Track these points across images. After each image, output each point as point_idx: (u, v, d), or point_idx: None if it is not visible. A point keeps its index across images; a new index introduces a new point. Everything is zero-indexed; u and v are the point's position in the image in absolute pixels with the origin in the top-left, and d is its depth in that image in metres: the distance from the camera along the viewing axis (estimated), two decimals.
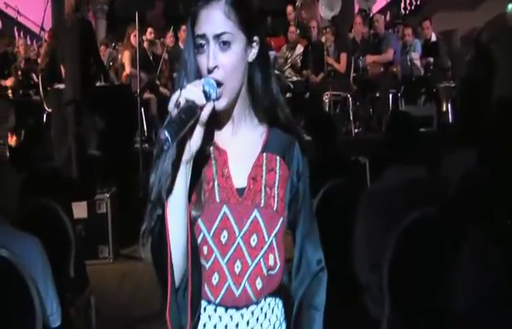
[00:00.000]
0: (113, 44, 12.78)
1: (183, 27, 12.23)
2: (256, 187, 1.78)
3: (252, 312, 1.79)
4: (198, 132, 1.63)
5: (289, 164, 1.84)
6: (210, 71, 1.68)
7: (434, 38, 11.24)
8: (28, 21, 14.35)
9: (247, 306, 1.78)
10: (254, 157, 1.81)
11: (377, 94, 10.59)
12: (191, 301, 1.70)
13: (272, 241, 1.77)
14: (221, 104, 1.70)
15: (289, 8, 13.16)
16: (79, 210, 6.80)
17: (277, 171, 1.81)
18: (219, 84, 1.69)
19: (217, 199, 1.75)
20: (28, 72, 11.37)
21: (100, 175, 7.93)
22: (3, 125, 10.09)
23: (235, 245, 1.75)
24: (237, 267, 1.75)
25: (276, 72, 11.02)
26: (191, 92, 1.59)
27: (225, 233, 1.75)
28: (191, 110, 1.58)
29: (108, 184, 7.77)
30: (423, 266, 3.48)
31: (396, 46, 10.79)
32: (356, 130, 10.34)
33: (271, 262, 1.78)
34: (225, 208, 1.75)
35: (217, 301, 1.77)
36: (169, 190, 1.66)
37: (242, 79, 1.77)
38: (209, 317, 1.79)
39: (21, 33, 14.19)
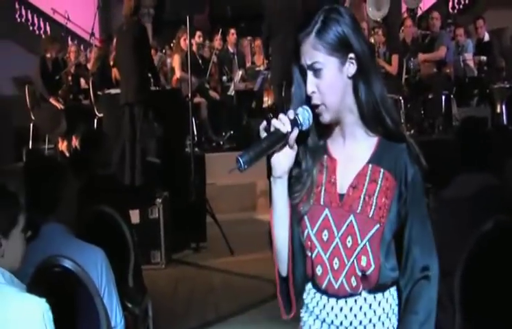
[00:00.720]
0: (162, 48, 12.81)
1: (232, 30, 12.20)
2: (355, 194, 1.95)
3: (356, 301, 1.97)
4: (288, 153, 1.93)
5: (397, 174, 1.96)
6: (309, 96, 1.93)
7: (487, 38, 11.01)
8: (76, 27, 14.46)
9: (345, 297, 1.97)
10: (360, 168, 1.97)
11: (430, 96, 10.36)
12: (293, 286, 2.02)
13: (365, 244, 1.92)
14: (325, 119, 1.96)
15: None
16: (132, 215, 6.77)
17: (379, 183, 1.94)
18: (316, 106, 1.94)
19: (322, 202, 1.98)
20: (78, 77, 11.44)
21: (157, 181, 7.90)
22: (55, 130, 10.18)
23: (334, 243, 1.95)
24: (336, 264, 1.95)
25: None
26: (280, 120, 1.89)
27: (326, 232, 1.96)
28: (276, 137, 1.87)
29: (160, 188, 7.75)
30: (497, 277, 3.34)
31: (449, 45, 10.55)
32: (408, 133, 10.10)
33: (363, 263, 1.93)
34: (327, 211, 1.96)
35: (322, 287, 1.99)
36: (271, 199, 1.99)
37: (341, 95, 1.94)
38: (317, 302, 2.03)
39: (69, 39, 14.29)
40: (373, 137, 1.98)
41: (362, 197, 1.94)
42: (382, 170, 1.95)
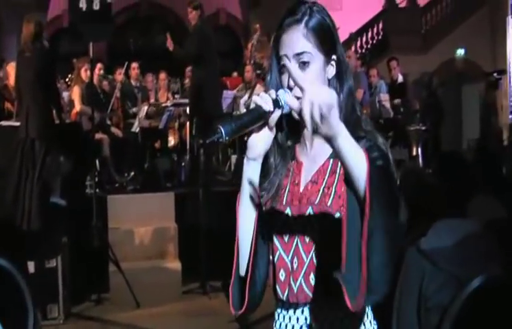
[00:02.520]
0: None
1: (134, 64, 11.57)
2: (314, 188, 1.90)
3: (310, 310, 1.89)
4: (266, 135, 1.84)
5: None
6: (291, 89, 1.83)
7: (401, 79, 10.87)
8: None
9: (305, 304, 1.90)
10: (322, 163, 1.93)
11: None
12: (250, 289, 1.89)
13: None
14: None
15: (249, 45, 12.70)
16: None
17: (337, 171, 1.89)
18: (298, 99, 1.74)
19: (284, 202, 1.93)
20: None
21: (59, 225, 7.13)
22: None
23: (294, 242, 1.91)
24: (295, 263, 1.90)
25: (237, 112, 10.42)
26: (262, 98, 1.78)
27: (287, 232, 1.92)
28: (258, 114, 1.77)
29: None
30: None
31: (365, 86, 10.39)
32: None
33: None
34: (288, 210, 1.92)
35: (284, 297, 1.92)
36: (241, 183, 1.92)
37: None
38: (278, 314, 1.99)
39: None
40: None
41: (321, 189, 1.89)
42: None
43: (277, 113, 1.80)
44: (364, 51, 15.35)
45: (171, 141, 11.06)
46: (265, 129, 1.83)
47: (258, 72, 11.60)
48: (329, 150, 1.83)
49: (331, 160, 1.91)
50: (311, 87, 1.60)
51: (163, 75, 11.84)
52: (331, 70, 1.92)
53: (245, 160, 1.89)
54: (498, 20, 16.60)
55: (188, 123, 10.07)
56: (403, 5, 17.98)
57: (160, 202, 8.68)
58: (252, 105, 1.78)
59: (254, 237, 1.91)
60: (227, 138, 1.71)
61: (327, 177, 1.90)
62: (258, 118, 1.78)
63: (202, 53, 9.08)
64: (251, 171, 1.90)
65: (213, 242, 7.41)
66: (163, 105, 11.08)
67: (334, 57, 1.92)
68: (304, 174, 1.95)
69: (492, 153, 5.68)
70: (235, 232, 1.95)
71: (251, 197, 1.91)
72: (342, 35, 14.32)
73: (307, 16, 1.89)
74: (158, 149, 11.12)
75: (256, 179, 1.91)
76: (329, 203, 1.85)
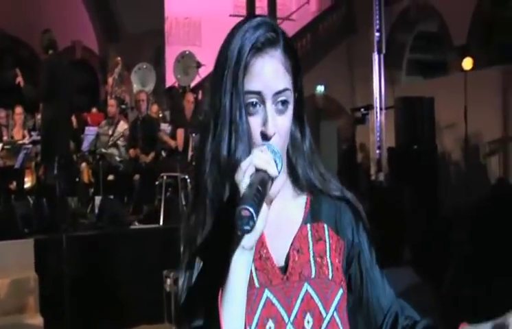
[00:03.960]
0: None
1: None
2: (302, 259, 1.50)
3: None
4: (265, 212, 1.33)
5: (342, 234, 1.57)
6: (267, 138, 1.42)
7: None
8: None
9: None
10: (297, 230, 1.53)
11: None
12: None
13: (333, 316, 1.48)
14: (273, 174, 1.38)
15: (110, 80, 12.10)
16: None
17: (327, 240, 1.54)
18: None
19: (257, 284, 1.46)
20: None
21: None
22: None
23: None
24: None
25: (103, 150, 9.83)
26: (263, 160, 1.32)
27: (271, 323, 1.45)
28: (265, 183, 1.31)
29: None
30: None
31: None
32: None
33: None
34: (267, 293, 1.46)
35: None
36: (226, 286, 1.35)
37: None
38: None
39: None
40: (302, 195, 1.58)
41: (312, 259, 1.51)
42: (325, 225, 1.56)
43: (280, 180, 1.39)
44: None
45: (28, 182, 10.16)
46: (264, 205, 1.35)
47: (122, 107, 11.05)
48: (298, 213, 1.57)
49: (309, 225, 1.55)
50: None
51: (19, 110, 10.91)
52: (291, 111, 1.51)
53: (238, 251, 1.36)
54: (356, 57, 17.01)
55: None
56: None
57: (17, 250, 7.85)
58: (249, 170, 1.32)
59: None
60: (256, 220, 1.27)
61: (311, 244, 1.53)
62: (265, 188, 1.33)
63: (52, 88, 8.38)
64: (245, 264, 1.38)
65: (78, 293, 6.96)
66: (19, 142, 10.23)
67: (296, 94, 1.50)
68: (272, 245, 1.51)
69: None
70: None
71: (241, 299, 1.38)
72: (203, 71, 14.09)
73: (281, 34, 1.46)
74: (13, 191, 10.17)
75: (247, 276, 1.40)
76: (330, 276, 1.49)
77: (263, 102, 1.43)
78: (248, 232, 1.26)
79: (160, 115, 11.45)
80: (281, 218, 1.54)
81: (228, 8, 18.95)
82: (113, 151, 10.51)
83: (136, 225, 8.88)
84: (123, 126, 10.74)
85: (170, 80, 15.41)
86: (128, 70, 13.04)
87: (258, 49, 1.42)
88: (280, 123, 1.44)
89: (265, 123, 1.42)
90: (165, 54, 17.88)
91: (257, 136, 1.43)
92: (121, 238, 8.17)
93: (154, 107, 11.46)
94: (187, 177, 9.40)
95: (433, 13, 15.52)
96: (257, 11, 18.22)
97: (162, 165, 9.68)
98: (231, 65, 1.42)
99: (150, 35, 17.00)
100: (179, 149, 9.71)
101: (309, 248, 1.52)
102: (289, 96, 1.45)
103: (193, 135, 9.96)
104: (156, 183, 9.41)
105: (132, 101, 11.65)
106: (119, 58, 12.69)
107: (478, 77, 13.10)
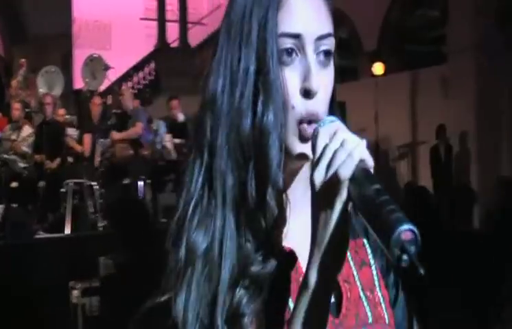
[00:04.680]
0: None
1: None
2: (353, 294, 1.11)
3: None
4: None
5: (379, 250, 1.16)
6: (309, 96, 1.05)
7: (182, 118, 10.47)
8: None
9: None
10: None
11: (126, 181, 9.43)
12: None
13: None
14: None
15: (14, 82, 11.61)
16: None
17: (371, 263, 1.16)
18: (311, 120, 1.06)
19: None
20: None
21: None
22: None
23: None
24: None
25: (5, 156, 9.42)
26: (360, 146, 0.96)
27: None
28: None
29: None
30: None
31: (145, 122, 9.90)
32: (104, 223, 8.94)
33: None
34: None
35: None
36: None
37: None
38: None
39: None
40: None
41: (362, 294, 1.13)
42: (365, 241, 1.18)
43: None
44: (136, 91, 14.89)
45: None
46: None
47: (27, 110, 10.61)
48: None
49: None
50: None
51: None
52: None
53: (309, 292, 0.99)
54: None
55: None
56: (175, 45, 17.79)
57: None
58: (351, 163, 0.95)
59: None
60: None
61: (355, 271, 1.16)
62: None
63: None
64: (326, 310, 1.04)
65: None
66: None
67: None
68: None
69: None
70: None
71: None
72: (113, 75, 13.78)
73: None
74: None
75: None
76: (387, 320, 1.15)
77: (301, 49, 1.08)
78: (407, 266, 0.88)
79: (67, 119, 11.07)
80: (307, 229, 1.07)
81: (138, 11, 18.65)
82: (15, 157, 10.07)
83: (41, 235, 8.55)
84: (27, 130, 10.31)
85: (79, 84, 15.00)
86: (34, 73, 12.59)
87: None
88: (324, 80, 1.09)
89: (307, 75, 1.07)
90: (74, 57, 17.40)
91: (294, 95, 1.07)
92: (26, 248, 7.81)
93: (61, 111, 11.10)
94: (94, 183, 9.13)
95: (344, 19, 15.68)
96: (168, 16, 18.01)
97: (68, 171, 9.36)
98: (259, 1, 1.08)
99: (58, 38, 16.52)
100: (86, 154, 9.39)
101: (354, 276, 1.15)
102: (333, 46, 1.11)
103: (101, 140, 9.67)
104: (62, 190, 9.10)
105: (38, 104, 11.23)
106: (23, 60, 12.26)
107: (388, 82, 13.30)
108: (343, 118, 1.04)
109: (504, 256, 3.99)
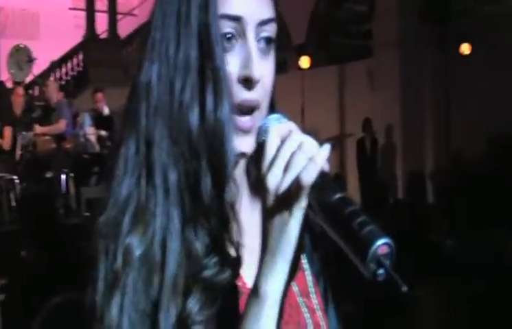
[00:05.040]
0: None
1: None
2: (293, 299, 1.07)
3: None
4: None
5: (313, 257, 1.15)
6: (249, 86, 0.98)
7: (107, 112, 10.36)
8: None
9: None
10: None
11: (49, 175, 9.30)
12: None
13: None
14: (248, 146, 1.00)
15: None
16: None
17: (305, 268, 1.12)
18: (251, 109, 1.00)
19: None
20: None
21: None
22: None
23: None
24: None
25: None
26: (323, 151, 0.92)
27: None
28: None
29: None
30: None
31: (68, 117, 9.75)
32: None
33: None
34: None
35: None
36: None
37: None
38: None
39: None
40: None
41: (299, 298, 1.09)
42: None
43: None
44: (64, 82, 14.61)
45: None
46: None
47: None
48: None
49: None
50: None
51: None
52: None
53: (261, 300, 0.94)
54: None
55: None
56: (103, 36, 17.52)
57: None
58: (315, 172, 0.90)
59: None
60: None
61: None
62: None
63: None
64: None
65: None
66: None
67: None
68: (248, 276, 1.03)
69: None
70: None
71: None
72: (41, 65, 13.49)
73: None
74: None
75: None
76: (324, 327, 1.11)
77: (242, 34, 1.01)
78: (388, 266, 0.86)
79: None
80: (253, 233, 1.04)
81: (67, 1, 18.31)
82: None
83: None
84: None
85: (5, 75, 14.64)
86: None
87: None
88: (265, 69, 1.02)
89: (247, 62, 0.99)
90: (0, 47, 16.96)
91: (233, 83, 1.00)
92: None
93: None
94: (14, 177, 8.95)
95: None
96: (97, 7, 17.71)
97: None
98: None
99: None
100: (5, 148, 9.19)
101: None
102: (274, 33, 1.04)
103: (23, 133, 9.48)
104: None
105: None
106: None
107: (315, 75, 13.42)
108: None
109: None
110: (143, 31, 1.04)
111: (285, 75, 14.80)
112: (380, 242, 0.84)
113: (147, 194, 0.97)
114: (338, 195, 0.89)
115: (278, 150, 0.90)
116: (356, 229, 0.85)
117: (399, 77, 12.73)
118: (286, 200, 0.90)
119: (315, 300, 1.12)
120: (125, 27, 17.47)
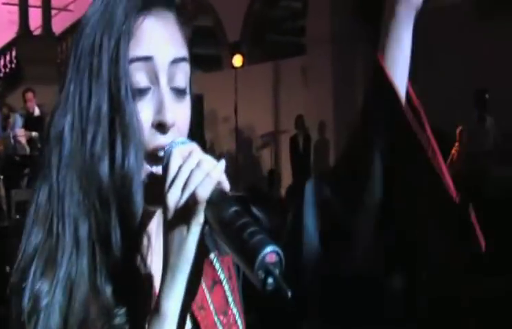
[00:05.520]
0: None
1: None
2: (209, 321, 1.09)
3: None
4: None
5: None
6: (164, 131, 1.00)
7: (37, 112, 10.23)
8: None
9: None
10: None
11: None
12: None
13: None
14: None
15: None
16: None
17: (221, 278, 1.15)
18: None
19: None
20: None
21: None
22: None
23: None
24: None
25: None
26: (218, 167, 0.93)
27: None
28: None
29: None
30: None
31: None
32: None
33: None
34: None
35: None
36: None
37: None
38: None
39: None
40: None
41: (216, 317, 1.11)
42: (211, 257, 1.16)
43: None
44: None
45: None
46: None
47: None
48: None
49: None
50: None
51: None
52: None
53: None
54: None
55: None
56: (37, 32, 17.22)
57: None
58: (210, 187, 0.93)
59: None
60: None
61: (207, 294, 1.16)
62: None
63: None
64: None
65: None
66: None
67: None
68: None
69: None
70: None
71: None
72: None
73: None
74: None
75: None
76: None
77: (154, 79, 1.02)
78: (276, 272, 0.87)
79: None
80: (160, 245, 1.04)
81: None
82: None
83: None
84: None
85: None
86: None
87: (150, 2, 1.03)
88: (179, 113, 1.03)
89: (160, 108, 1.01)
90: None
91: (147, 129, 1.01)
92: None
93: None
94: None
95: (209, 9, 15.71)
96: (31, 2, 17.37)
97: None
98: (109, 31, 1.00)
99: None
100: None
101: (208, 302, 1.12)
102: (188, 73, 1.05)
103: None
104: None
105: None
106: None
107: (250, 72, 13.50)
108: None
109: None
110: (60, 80, 1.05)
111: (221, 73, 14.87)
112: (268, 249, 0.85)
113: (56, 244, 0.98)
114: (233, 209, 0.91)
115: (178, 169, 0.92)
116: (246, 239, 0.87)
117: (332, 73, 12.86)
118: (184, 216, 0.91)
119: (234, 309, 1.15)
120: (60, 23, 17.21)
